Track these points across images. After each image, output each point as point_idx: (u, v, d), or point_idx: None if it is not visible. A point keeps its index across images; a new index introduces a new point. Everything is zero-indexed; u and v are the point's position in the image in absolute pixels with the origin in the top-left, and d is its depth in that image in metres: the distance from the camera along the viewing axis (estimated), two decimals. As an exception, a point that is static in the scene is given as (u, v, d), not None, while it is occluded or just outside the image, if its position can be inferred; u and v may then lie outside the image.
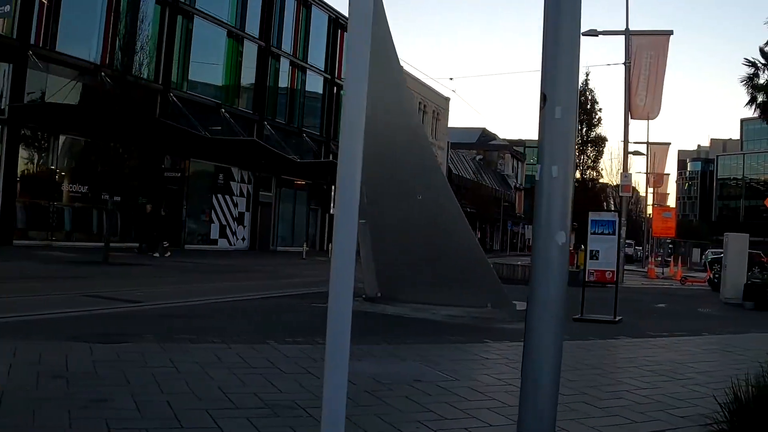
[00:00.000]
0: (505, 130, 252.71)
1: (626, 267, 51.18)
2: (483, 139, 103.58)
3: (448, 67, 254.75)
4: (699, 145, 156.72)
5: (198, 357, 8.09)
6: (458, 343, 10.24)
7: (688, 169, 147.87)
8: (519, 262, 31.47)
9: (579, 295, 14.81)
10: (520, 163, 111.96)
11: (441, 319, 13.26)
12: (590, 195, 66.04)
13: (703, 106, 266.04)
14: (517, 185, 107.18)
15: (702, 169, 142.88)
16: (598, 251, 14.54)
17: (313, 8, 51.40)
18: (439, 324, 12.87)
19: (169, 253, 30.92)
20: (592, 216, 14.68)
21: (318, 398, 6.65)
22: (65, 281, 17.79)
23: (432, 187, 14.16)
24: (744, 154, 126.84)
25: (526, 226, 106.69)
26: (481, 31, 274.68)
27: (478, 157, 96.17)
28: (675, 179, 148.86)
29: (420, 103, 69.64)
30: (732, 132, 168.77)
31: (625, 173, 33.35)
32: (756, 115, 37.72)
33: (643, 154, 52.05)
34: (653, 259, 45.52)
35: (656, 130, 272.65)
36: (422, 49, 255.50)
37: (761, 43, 35.29)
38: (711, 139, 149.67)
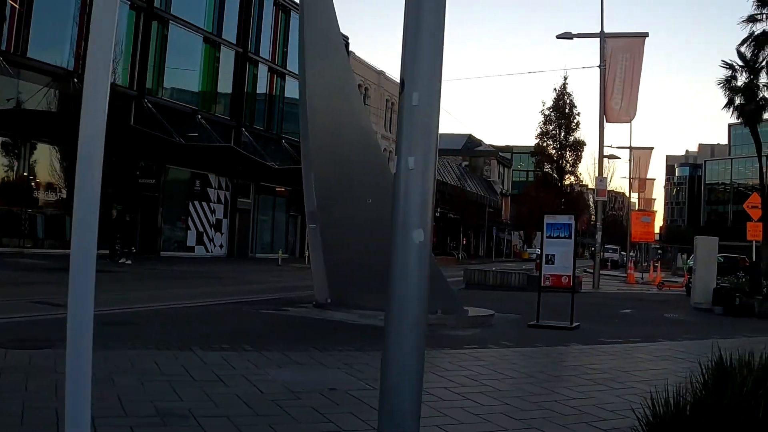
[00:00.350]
0: (492, 136, 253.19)
1: (610, 272, 51.11)
2: (469, 146, 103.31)
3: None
4: (687, 151, 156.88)
5: (112, 363, 7.83)
6: (394, 351, 9.87)
7: (676, 174, 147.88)
8: (493, 268, 31.12)
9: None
10: (506, 169, 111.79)
11: (388, 325, 12.90)
12: (569, 199, 66.04)
13: (692, 111, 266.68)
14: (504, 191, 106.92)
15: (690, 174, 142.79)
16: (553, 255, 14.13)
17: (292, 14, 51.01)
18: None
19: (125, 258, 30.43)
20: (548, 219, 14.27)
21: (218, 406, 6.41)
22: (21, 287, 17.53)
23: (382, 188, 13.84)
24: (732, 159, 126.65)
25: (512, 233, 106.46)
26: (460, 34, 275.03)
27: (464, 164, 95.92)
28: (663, 184, 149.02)
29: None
30: (720, 137, 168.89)
31: (601, 177, 32.97)
32: (734, 118, 37.66)
33: (618, 158, 51.88)
34: (632, 264, 45.15)
35: (645, 135, 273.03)
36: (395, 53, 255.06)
37: (744, 48, 35.29)
38: (699, 144, 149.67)
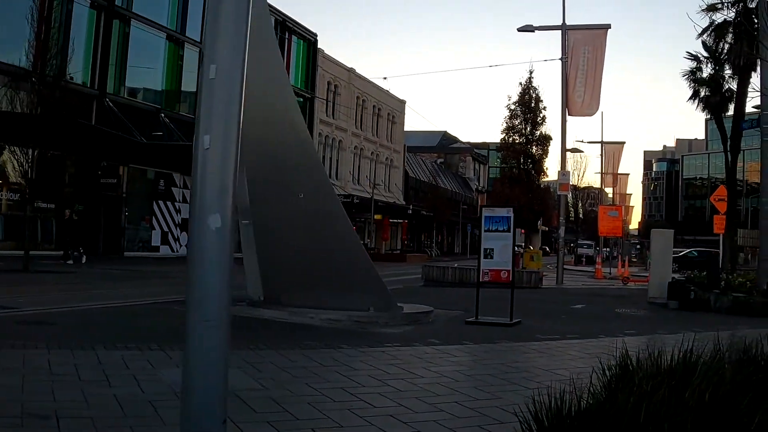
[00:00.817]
0: (469, 134, 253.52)
1: (583, 268, 50.94)
2: (444, 143, 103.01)
3: (403, 68, 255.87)
4: (665, 146, 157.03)
5: (3, 362, 7.67)
6: (308, 349, 9.49)
7: (654, 169, 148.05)
8: (455, 264, 30.79)
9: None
10: (482, 165, 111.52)
11: (318, 323, 12.50)
12: (536, 195, 65.79)
13: (670, 106, 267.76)
14: (479, 188, 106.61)
15: (667, 169, 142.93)
16: (492, 249, 13.74)
17: (259, 11, 50.62)
18: (310, 328, 12.09)
19: (71, 260, 29.89)
20: (486, 212, 13.95)
21: (89, 407, 6.08)
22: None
23: (313, 185, 13.54)
24: (709, 153, 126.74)
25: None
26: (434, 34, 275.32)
27: (439, 161, 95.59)
28: (641, 180, 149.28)
29: (374, 106, 69.01)
30: (698, 132, 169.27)
31: (563, 171, 32.69)
32: (699, 110, 37.50)
33: (581, 151, 51.76)
34: (599, 259, 44.94)
35: (622, 130, 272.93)
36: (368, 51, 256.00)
37: (705, 37, 35.12)
38: (676, 139, 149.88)
